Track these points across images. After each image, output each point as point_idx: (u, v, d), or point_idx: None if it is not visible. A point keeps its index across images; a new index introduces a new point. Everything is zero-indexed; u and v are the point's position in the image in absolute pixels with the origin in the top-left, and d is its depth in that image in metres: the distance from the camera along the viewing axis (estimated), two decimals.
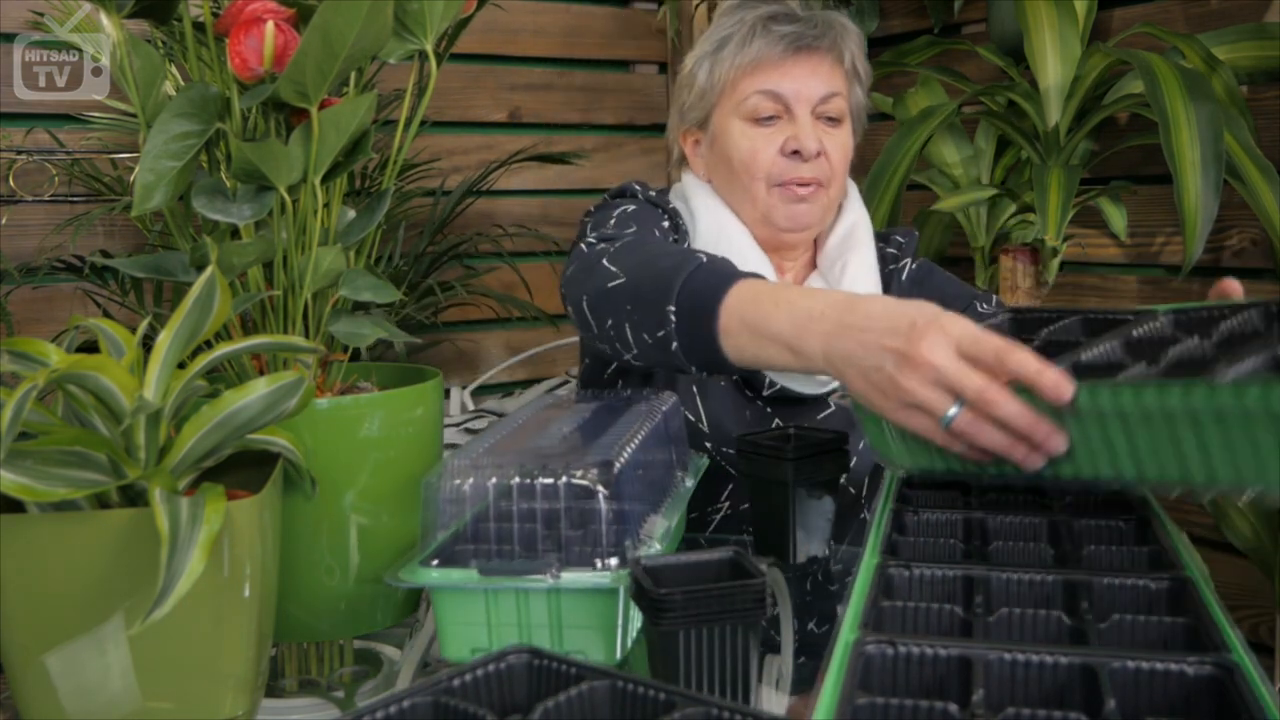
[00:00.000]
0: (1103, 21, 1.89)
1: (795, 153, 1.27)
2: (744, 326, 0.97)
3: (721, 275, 1.01)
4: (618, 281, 1.11)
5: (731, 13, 1.33)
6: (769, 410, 1.30)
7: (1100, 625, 0.62)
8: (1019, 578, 0.68)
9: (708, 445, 1.27)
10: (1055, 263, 1.85)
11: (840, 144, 1.31)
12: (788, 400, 1.30)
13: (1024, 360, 0.76)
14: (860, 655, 0.58)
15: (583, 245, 1.23)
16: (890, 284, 1.39)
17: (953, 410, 0.78)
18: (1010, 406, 0.76)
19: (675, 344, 1.02)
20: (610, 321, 1.11)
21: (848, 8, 2.21)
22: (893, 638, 0.60)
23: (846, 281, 1.32)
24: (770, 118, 1.29)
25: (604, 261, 1.14)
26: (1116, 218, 1.85)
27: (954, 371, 0.78)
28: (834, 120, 1.30)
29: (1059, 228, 1.84)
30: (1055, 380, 0.74)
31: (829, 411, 1.31)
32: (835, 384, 1.29)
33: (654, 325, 1.04)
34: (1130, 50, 1.67)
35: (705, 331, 0.99)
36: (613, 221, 1.27)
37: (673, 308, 1.02)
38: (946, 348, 0.79)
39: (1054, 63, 1.75)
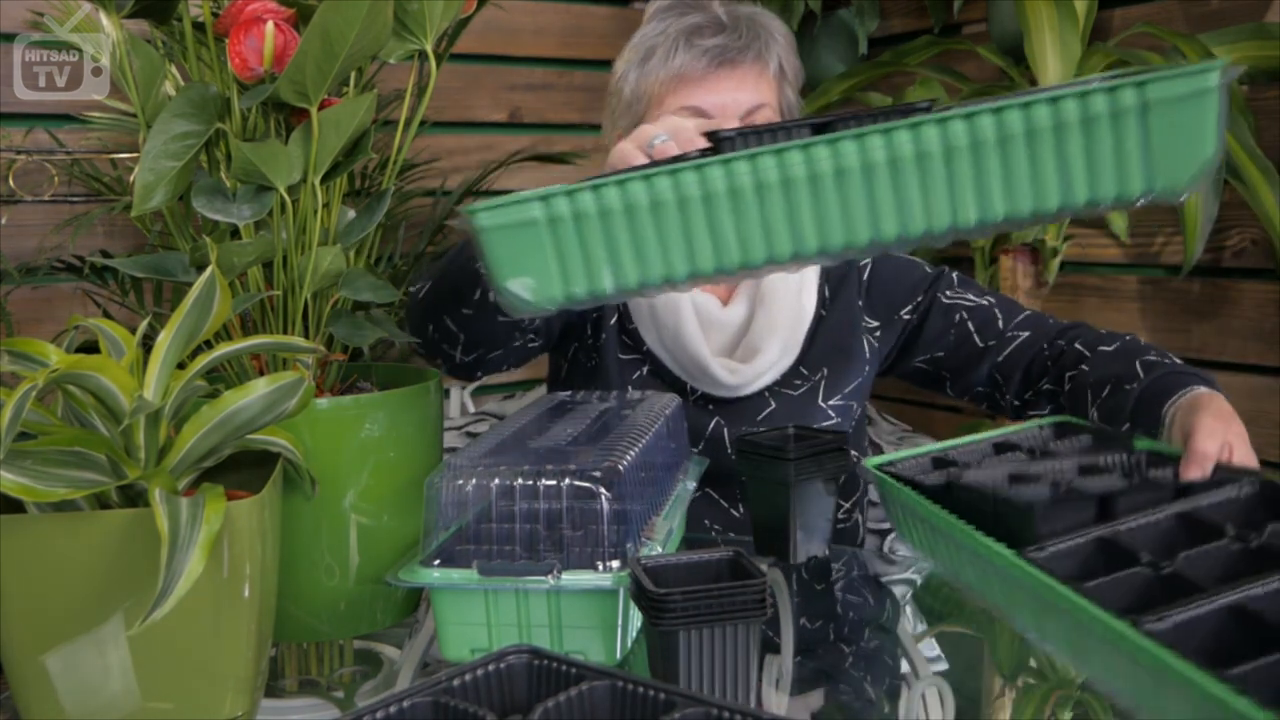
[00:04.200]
0: (1103, 21, 1.88)
1: None
2: None
3: None
4: (424, 287, 1.18)
5: (659, 17, 1.29)
6: (710, 408, 1.29)
7: None
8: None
9: None
10: (1055, 263, 1.85)
11: None
12: (724, 401, 1.29)
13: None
14: None
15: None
16: (847, 280, 1.34)
17: (663, 137, 1.01)
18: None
19: (490, 295, 1.06)
20: (432, 327, 1.16)
21: (847, 8, 2.21)
22: None
23: (778, 279, 1.29)
24: None
25: (411, 290, 1.21)
26: (1117, 217, 1.85)
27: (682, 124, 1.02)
28: None
29: (1059, 228, 1.84)
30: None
31: (770, 410, 1.29)
32: (760, 383, 1.28)
33: (471, 288, 1.10)
34: (1130, 50, 1.67)
35: None
36: None
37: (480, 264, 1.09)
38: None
39: (1054, 63, 1.75)
